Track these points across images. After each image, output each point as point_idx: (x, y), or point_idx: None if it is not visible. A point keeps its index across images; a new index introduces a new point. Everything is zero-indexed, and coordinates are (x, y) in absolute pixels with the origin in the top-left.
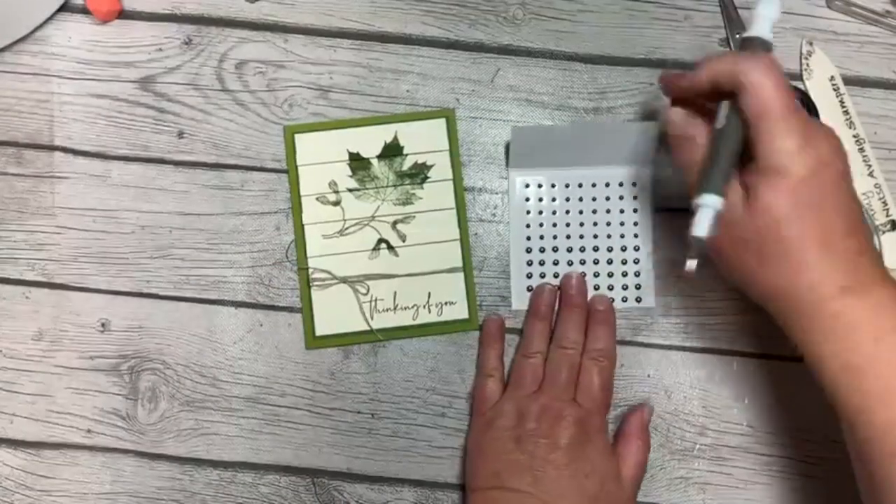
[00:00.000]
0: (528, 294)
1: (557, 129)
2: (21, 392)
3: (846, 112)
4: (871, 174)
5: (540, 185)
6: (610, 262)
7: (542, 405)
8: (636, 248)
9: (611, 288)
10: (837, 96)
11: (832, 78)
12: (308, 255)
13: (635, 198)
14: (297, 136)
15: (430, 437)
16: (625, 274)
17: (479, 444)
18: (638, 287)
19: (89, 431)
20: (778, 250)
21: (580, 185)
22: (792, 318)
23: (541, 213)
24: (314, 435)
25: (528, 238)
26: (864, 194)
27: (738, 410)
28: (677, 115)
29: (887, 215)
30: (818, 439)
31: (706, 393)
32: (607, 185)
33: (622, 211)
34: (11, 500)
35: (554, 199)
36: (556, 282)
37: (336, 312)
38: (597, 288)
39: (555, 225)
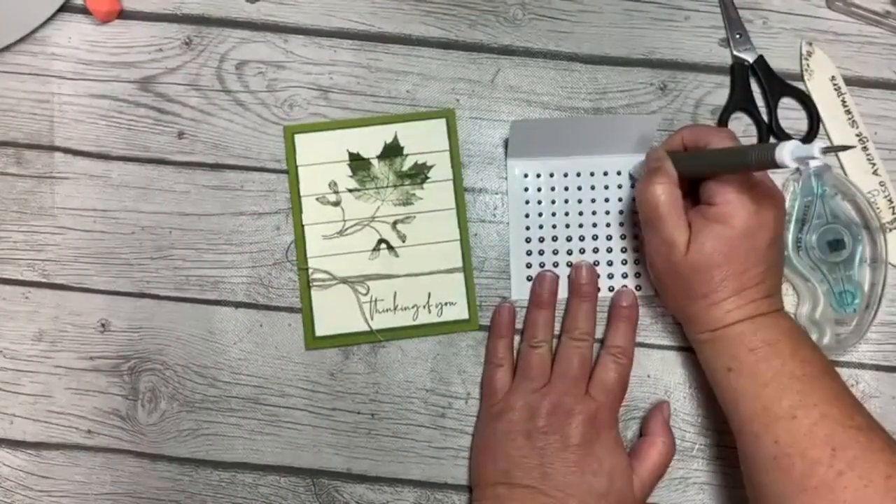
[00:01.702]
0: (528, 284)
1: (556, 122)
2: (21, 392)
3: (848, 111)
4: (875, 172)
5: (539, 175)
6: (609, 250)
7: (552, 402)
8: (635, 237)
9: (610, 276)
10: (839, 96)
11: (833, 78)
12: (308, 255)
13: (633, 186)
14: (297, 136)
15: (430, 437)
16: (624, 262)
17: (487, 438)
18: (637, 275)
19: (89, 432)
20: (702, 288)
21: (579, 174)
22: (699, 335)
23: (540, 202)
24: (314, 435)
25: (528, 228)
26: (869, 192)
27: None
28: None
29: (893, 213)
30: None
31: (706, 393)
32: (605, 173)
33: (621, 199)
34: (11, 500)
35: (553, 189)
36: (557, 271)
37: (336, 313)
38: (597, 277)
39: (554, 214)
